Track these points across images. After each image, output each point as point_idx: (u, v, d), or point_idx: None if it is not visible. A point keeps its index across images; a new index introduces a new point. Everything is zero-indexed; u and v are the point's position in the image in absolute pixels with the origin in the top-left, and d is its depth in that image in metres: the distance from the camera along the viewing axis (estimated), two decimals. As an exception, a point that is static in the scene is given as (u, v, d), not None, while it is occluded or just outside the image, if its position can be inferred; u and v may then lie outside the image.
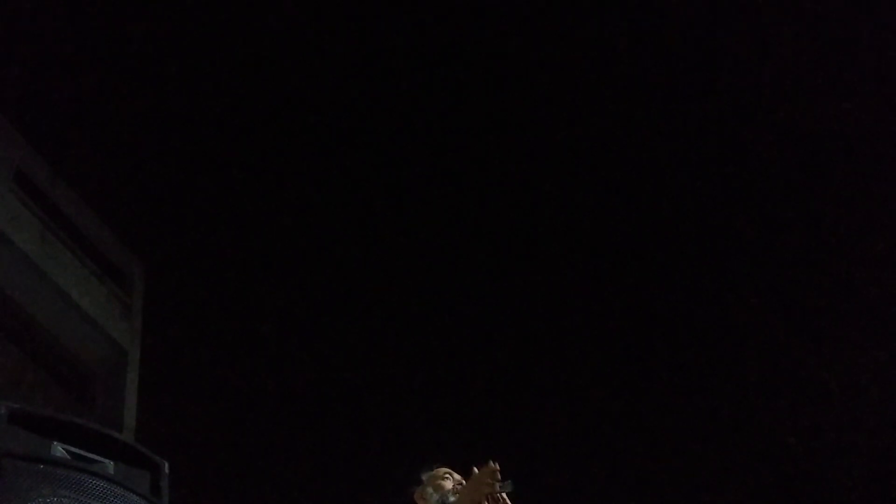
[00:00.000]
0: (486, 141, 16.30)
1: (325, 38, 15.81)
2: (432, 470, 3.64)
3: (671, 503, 13.13)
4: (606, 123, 15.28)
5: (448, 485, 3.56)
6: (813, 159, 13.29)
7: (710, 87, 14.21)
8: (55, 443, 2.87)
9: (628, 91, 15.07)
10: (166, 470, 3.16)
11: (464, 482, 3.53)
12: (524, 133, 16.11)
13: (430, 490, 3.56)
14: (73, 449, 2.90)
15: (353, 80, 16.44)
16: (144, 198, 16.64)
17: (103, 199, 15.16)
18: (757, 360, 13.58)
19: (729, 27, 13.63)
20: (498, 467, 3.32)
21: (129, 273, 15.15)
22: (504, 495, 3.35)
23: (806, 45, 12.86)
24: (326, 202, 17.15)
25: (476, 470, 3.37)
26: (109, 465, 2.98)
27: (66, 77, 15.03)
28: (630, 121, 15.12)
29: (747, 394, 13.33)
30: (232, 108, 16.49)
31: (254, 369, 16.41)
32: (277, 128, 16.81)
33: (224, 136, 16.72)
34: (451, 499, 3.48)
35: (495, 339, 16.05)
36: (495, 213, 16.42)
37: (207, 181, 16.77)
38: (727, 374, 13.74)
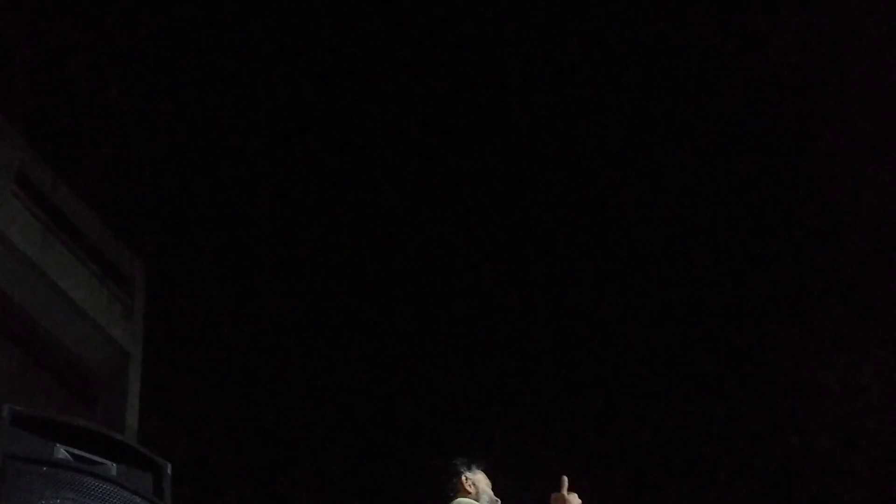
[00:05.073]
0: (488, 144, 16.32)
1: (325, 39, 15.82)
2: (480, 469, 3.60)
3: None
4: (606, 125, 15.29)
5: (492, 495, 3.54)
6: (814, 160, 13.29)
7: (710, 88, 14.21)
8: (58, 445, 2.88)
9: (628, 91, 15.09)
10: (169, 471, 3.17)
11: (498, 500, 3.53)
12: (525, 134, 16.12)
13: (482, 485, 3.53)
14: (75, 451, 2.91)
15: (355, 80, 16.46)
16: (146, 200, 16.68)
17: (105, 201, 15.20)
18: (758, 361, 13.57)
19: (729, 27, 13.64)
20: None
21: (131, 275, 15.16)
22: None
23: (806, 44, 12.87)
24: (330, 203, 17.17)
25: (571, 496, 3.36)
26: (112, 467, 2.98)
27: (67, 79, 15.05)
28: (630, 122, 15.14)
29: (749, 395, 13.33)
30: (234, 111, 16.51)
31: (256, 370, 16.42)
32: (278, 130, 16.83)
33: (225, 139, 16.74)
34: None
35: (496, 341, 16.06)
36: (504, 216, 16.44)
37: (209, 183, 16.79)
38: (729, 375, 13.73)
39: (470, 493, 3.49)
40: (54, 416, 2.99)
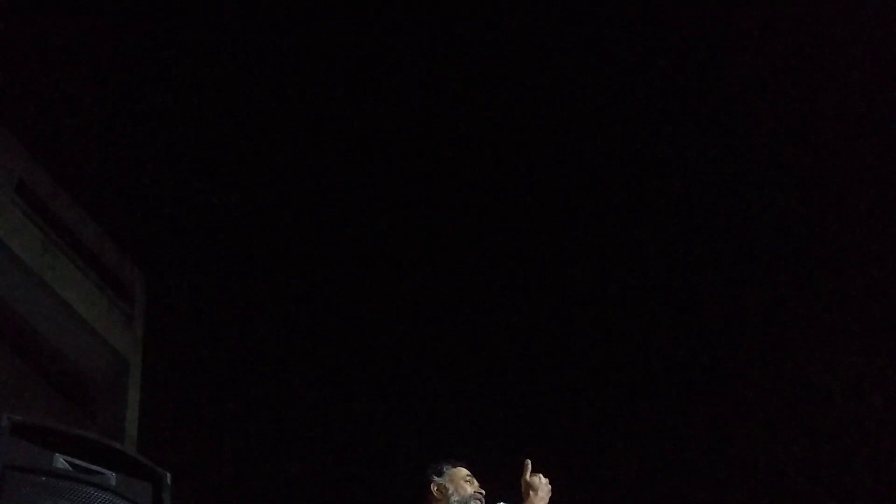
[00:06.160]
0: (489, 144, 16.33)
1: (327, 48, 15.84)
2: (454, 466, 3.59)
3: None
4: (606, 125, 15.30)
5: (469, 489, 3.52)
6: (814, 159, 13.30)
7: (710, 88, 14.23)
8: (57, 454, 2.87)
9: (628, 91, 15.10)
10: (168, 481, 3.16)
11: (482, 491, 3.52)
12: (525, 134, 16.13)
13: (450, 487, 3.52)
14: (74, 460, 2.90)
15: (357, 88, 16.47)
16: (146, 208, 16.67)
17: (105, 210, 15.19)
18: (758, 369, 13.56)
19: (729, 26, 13.66)
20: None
21: (131, 283, 15.17)
22: None
23: (804, 43, 12.90)
24: (330, 212, 17.17)
25: (534, 478, 3.36)
26: (111, 477, 2.98)
27: (67, 87, 15.07)
28: (631, 122, 15.14)
29: (749, 403, 13.31)
30: (234, 120, 16.52)
31: (256, 379, 16.39)
32: (279, 138, 16.84)
33: (226, 145, 16.75)
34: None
35: (497, 340, 16.06)
36: (502, 214, 16.44)
37: (209, 191, 16.80)
38: (729, 383, 13.72)
39: (439, 499, 3.48)
40: (53, 425, 2.98)
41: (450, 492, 3.49)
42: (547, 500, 3.35)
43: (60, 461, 2.86)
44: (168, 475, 3.16)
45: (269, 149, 16.88)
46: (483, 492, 3.52)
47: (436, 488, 3.51)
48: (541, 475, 3.38)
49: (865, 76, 12.44)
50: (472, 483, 3.55)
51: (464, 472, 3.58)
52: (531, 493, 3.34)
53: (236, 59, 16.08)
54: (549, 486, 3.37)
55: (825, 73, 12.80)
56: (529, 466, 3.40)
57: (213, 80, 16.16)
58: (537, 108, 15.82)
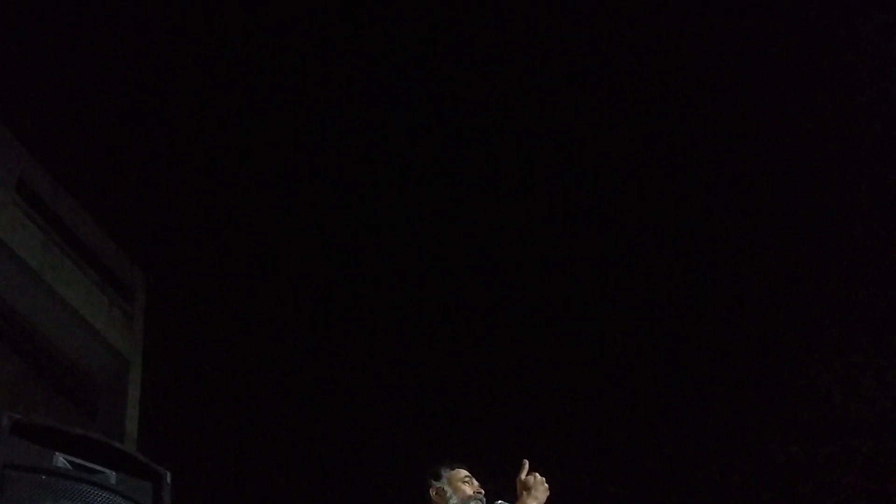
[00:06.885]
0: (487, 142, 16.33)
1: (327, 50, 15.85)
2: (452, 469, 3.60)
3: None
4: (605, 124, 15.31)
5: (468, 490, 3.52)
6: (813, 161, 13.30)
7: (709, 87, 14.23)
8: (57, 453, 2.87)
9: (627, 90, 15.10)
10: (168, 480, 3.16)
11: (482, 490, 3.53)
12: (523, 133, 16.14)
13: (448, 491, 3.53)
14: (75, 459, 2.90)
15: (358, 92, 16.47)
16: (146, 208, 16.69)
17: (105, 210, 15.20)
18: (757, 370, 13.56)
19: (727, 26, 13.67)
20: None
21: (131, 283, 15.17)
22: None
23: (804, 43, 12.91)
24: (331, 213, 17.18)
25: (528, 478, 3.36)
26: (111, 476, 2.98)
27: (68, 87, 15.08)
28: (630, 122, 15.15)
29: (748, 402, 13.31)
30: (235, 119, 16.53)
31: (256, 378, 16.40)
32: (279, 140, 16.86)
33: (225, 145, 16.76)
34: None
35: (498, 339, 16.06)
36: (501, 213, 16.45)
37: (209, 191, 16.81)
38: (727, 381, 13.72)
39: (438, 503, 3.50)
40: (53, 424, 2.98)
41: (448, 494, 3.50)
42: (543, 500, 3.35)
43: (61, 460, 2.86)
44: (168, 474, 3.16)
45: (270, 149, 16.90)
46: (482, 491, 3.52)
47: (434, 492, 3.52)
48: (537, 474, 3.38)
49: (865, 76, 12.45)
50: (470, 484, 3.55)
51: (462, 473, 3.58)
52: (525, 492, 3.34)
53: (236, 59, 16.09)
54: (546, 486, 3.37)
55: (825, 73, 12.81)
56: (526, 466, 3.40)
57: (213, 81, 16.17)
58: (540, 109, 15.84)
